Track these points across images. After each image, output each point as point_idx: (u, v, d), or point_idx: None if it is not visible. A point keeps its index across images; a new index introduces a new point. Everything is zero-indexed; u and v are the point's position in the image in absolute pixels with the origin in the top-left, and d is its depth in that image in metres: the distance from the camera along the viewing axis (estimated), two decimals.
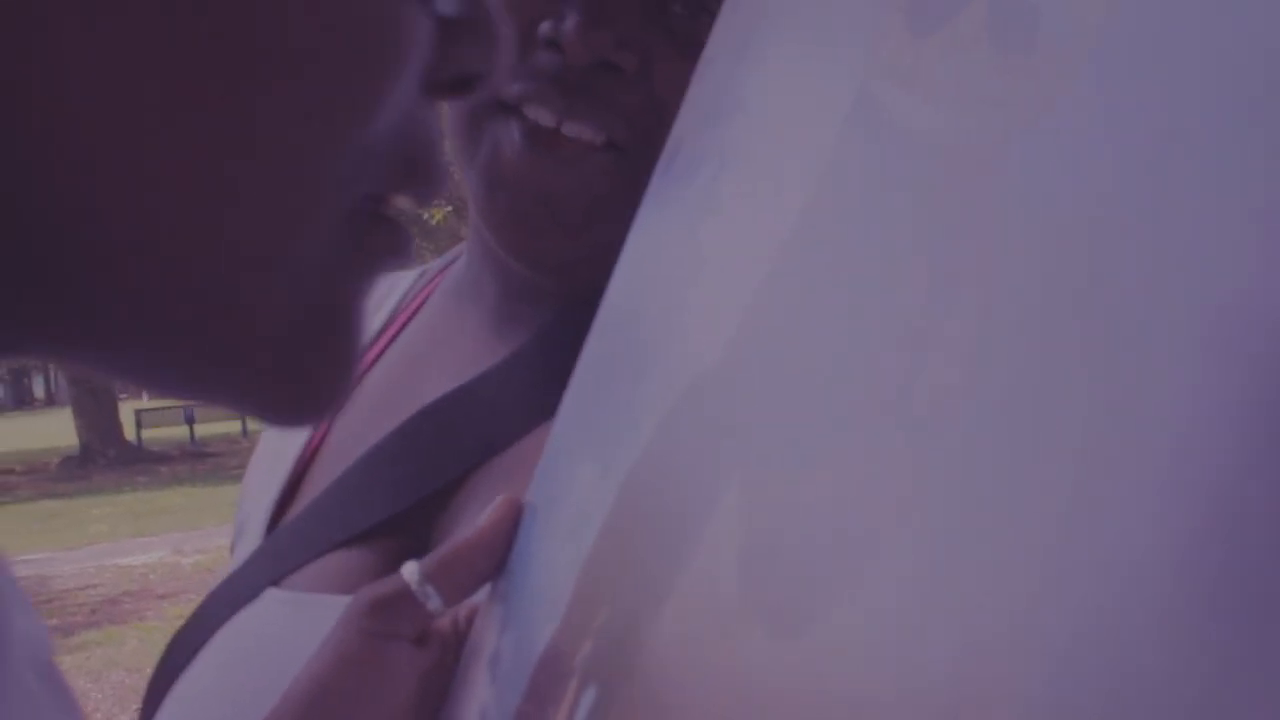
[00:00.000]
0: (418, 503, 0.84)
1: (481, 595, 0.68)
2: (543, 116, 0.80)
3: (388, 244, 0.41)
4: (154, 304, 0.36)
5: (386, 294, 1.02)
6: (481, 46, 0.41)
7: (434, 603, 0.65)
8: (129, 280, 0.35)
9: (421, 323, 0.97)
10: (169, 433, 23.82)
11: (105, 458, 19.24)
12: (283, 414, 0.41)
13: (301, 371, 0.39)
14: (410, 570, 0.65)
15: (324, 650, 0.64)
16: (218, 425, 24.40)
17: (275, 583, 0.86)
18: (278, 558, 0.87)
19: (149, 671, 0.89)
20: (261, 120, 0.35)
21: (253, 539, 0.93)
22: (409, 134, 0.39)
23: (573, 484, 0.63)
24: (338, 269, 0.39)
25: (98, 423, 19.35)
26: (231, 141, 0.35)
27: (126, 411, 22.49)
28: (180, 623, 0.90)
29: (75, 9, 0.32)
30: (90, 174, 0.33)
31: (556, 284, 0.87)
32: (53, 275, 0.34)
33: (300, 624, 0.66)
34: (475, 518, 0.68)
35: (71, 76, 0.32)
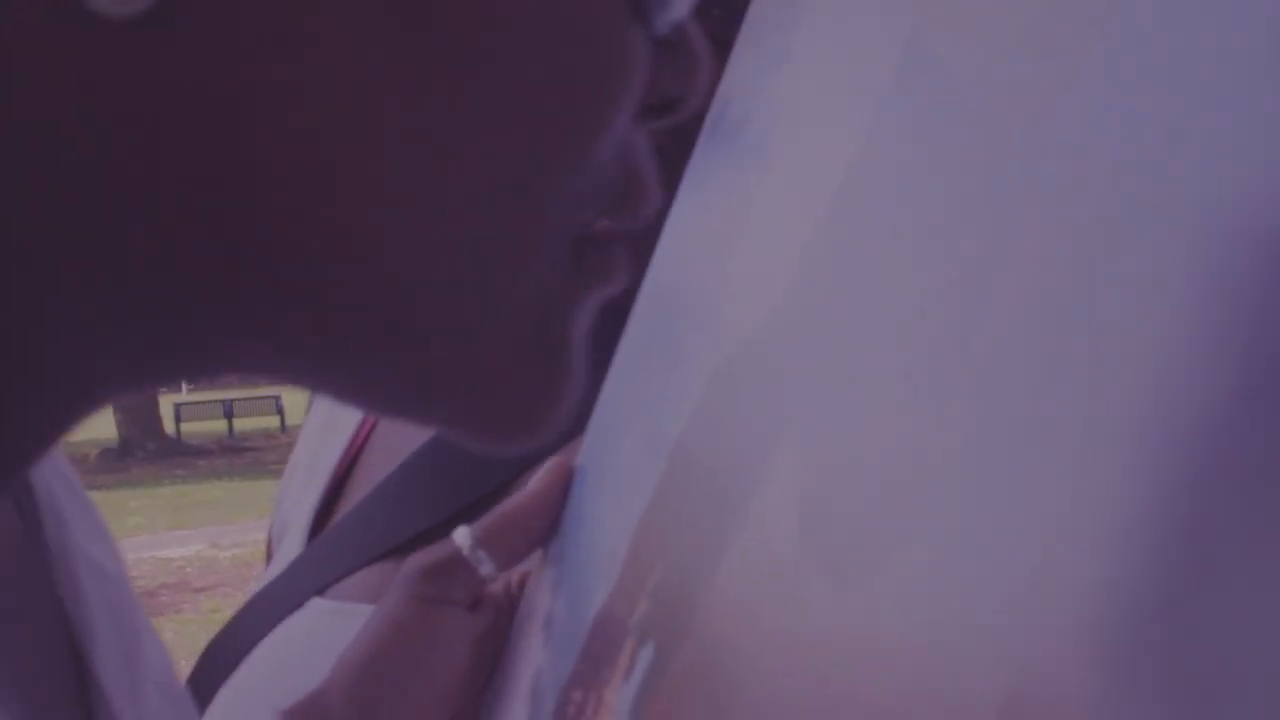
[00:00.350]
0: (460, 511, 0.83)
1: (534, 560, 0.68)
2: None
3: (604, 268, 0.40)
4: (382, 317, 0.35)
5: None
6: (686, 69, 0.40)
7: (486, 567, 0.65)
8: (358, 293, 0.34)
9: None
10: (208, 426, 23.87)
11: (144, 450, 19.33)
12: (494, 434, 0.40)
13: (518, 392, 0.38)
14: (462, 535, 0.65)
15: (376, 619, 0.64)
16: (256, 420, 24.46)
17: (320, 592, 0.86)
18: (321, 566, 0.87)
19: (185, 664, 0.88)
20: (497, 139, 0.35)
21: (294, 545, 0.93)
22: (624, 158, 0.39)
23: (623, 446, 0.63)
24: (558, 291, 0.38)
25: (137, 416, 19.44)
26: (466, 159, 0.34)
27: (166, 405, 22.58)
28: (216, 616, 0.89)
29: (328, 25, 0.31)
30: (325, 183, 0.32)
31: None
32: (278, 286, 0.34)
33: (347, 635, 0.66)
34: None
35: (315, 90, 0.32)
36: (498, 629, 0.67)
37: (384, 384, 0.37)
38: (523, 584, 0.69)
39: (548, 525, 0.66)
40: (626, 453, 0.62)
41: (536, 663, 0.63)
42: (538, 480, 0.67)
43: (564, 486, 0.67)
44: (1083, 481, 0.35)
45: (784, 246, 0.54)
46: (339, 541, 0.87)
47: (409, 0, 0.32)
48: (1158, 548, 0.32)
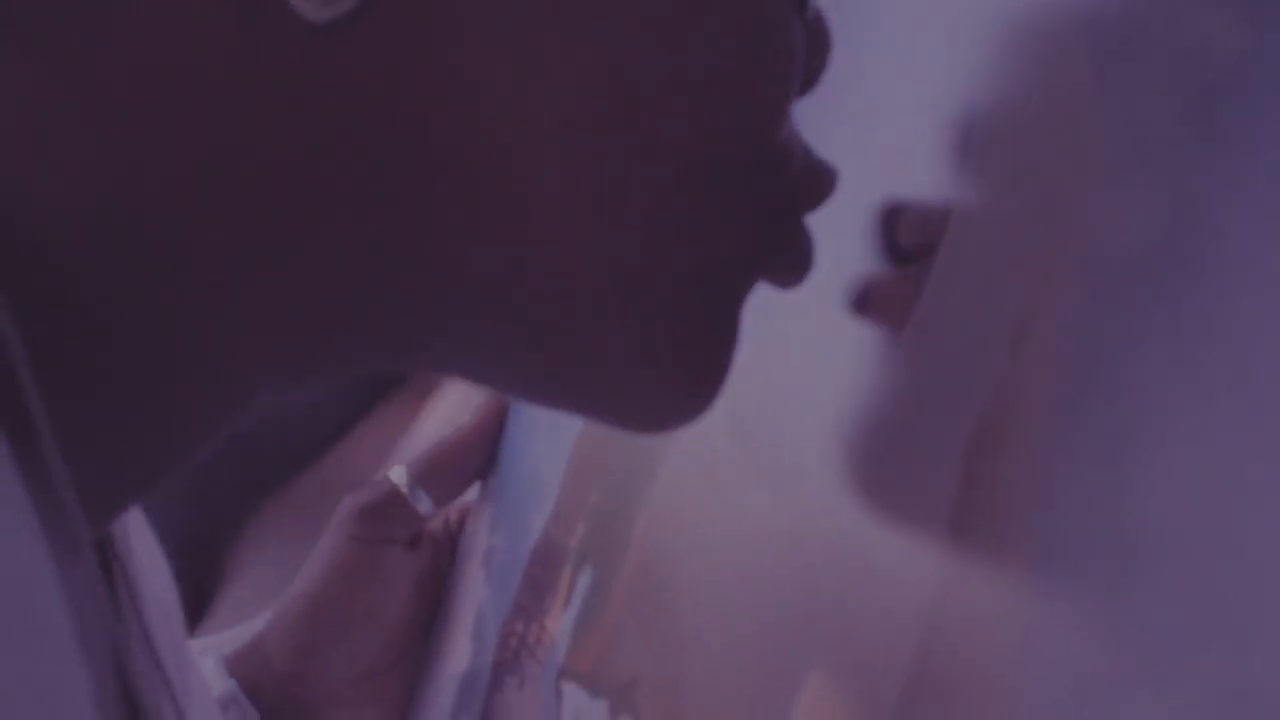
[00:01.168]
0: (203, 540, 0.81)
1: (472, 495, 0.67)
2: None
3: (790, 252, 0.39)
4: (563, 300, 0.33)
5: None
6: (823, 49, 0.39)
7: (424, 505, 0.63)
8: (540, 275, 0.33)
9: None
10: None
11: None
12: (653, 417, 0.38)
13: (683, 376, 0.37)
14: (399, 474, 0.63)
15: (315, 561, 0.62)
16: None
17: None
18: None
19: None
20: (689, 115, 0.33)
21: None
22: (792, 140, 0.38)
23: None
24: (735, 269, 0.37)
25: None
26: (656, 136, 0.33)
27: None
28: None
29: None
30: (512, 168, 0.31)
31: None
32: (463, 273, 0.32)
33: None
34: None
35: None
36: (437, 566, 0.65)
37: (556, 371, 0.35)
38: (462, 521, 0.67)
39: (483, 460, 0.65)
40: None
41: (478, 600, 0.61)
42: (472, 416, 0.66)
43: (499, 421, 0.65)
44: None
45: None
46: None
47: None
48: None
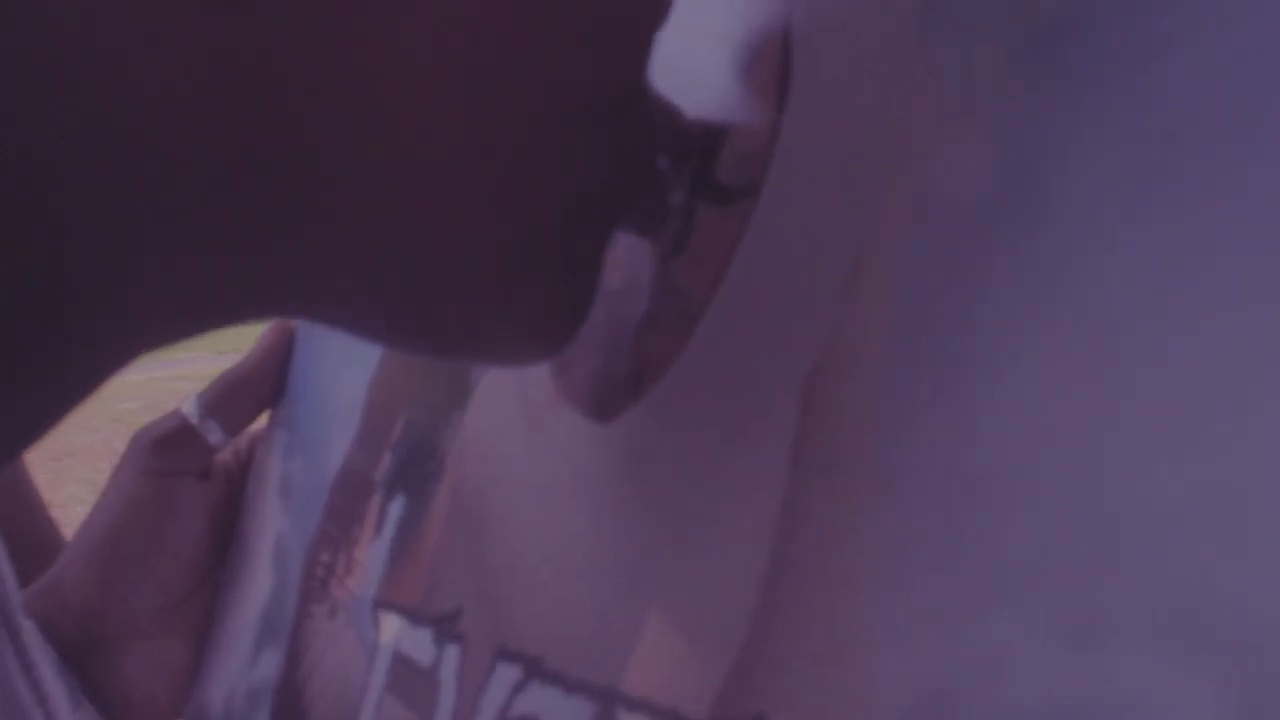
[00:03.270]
0: None
1: (260, 424, 0.65)
2: None
3: (645, 190, 0.39)
4: (421, 230, 0.33)
5: None
6: None
7: (215, 436, 0.62)
8: (401, 210, 0.32)
9: None
10: None
11: None
12: (516, 353, 0.38)
13: (548, 310, 0.36)
14: (189, 405, 0.62)
15: (110, 496, 0.60)
16: None
17: None
18: None
19: None
20: (551, 40, 0.32)
21: None
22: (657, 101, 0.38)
23: None
24: (596, 209, 0.36)
25: None
26: (520, 59, 0.32)
27: None
28: None
29: None
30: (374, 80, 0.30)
31: None
32: (336, 209, 0.31)
33: None
34: None
35: None
36: (230, 497, 0.64)
37: (425, 310, 0.35)
38: (252, 449, 0.66)
39: (273, 387, 0.64)
40: None
41: (277, 527, 0.60)
42: (260, 342, 0.64)
43: (286, 347, 0.64)
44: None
45: None
46: None
47: None
48: None
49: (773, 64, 0.41)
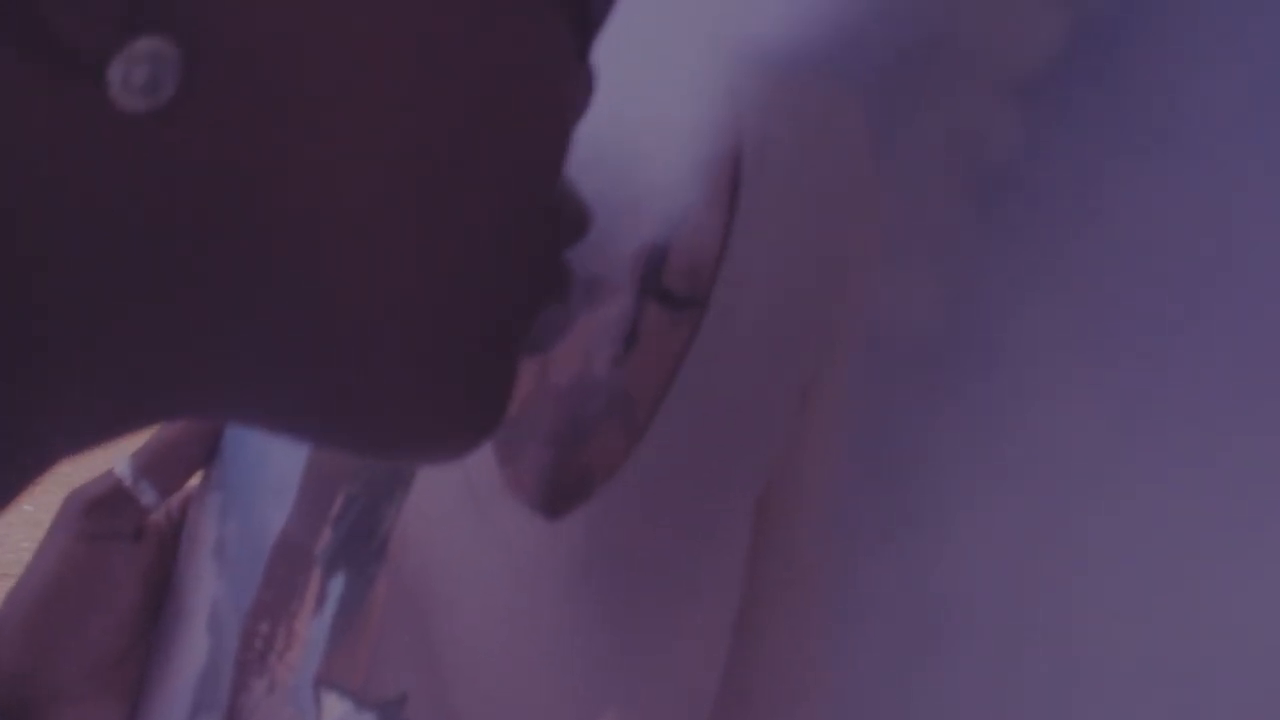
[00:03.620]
0: None
1: (193, 484, 0.65)
2: None
3: (561, 285, 0.39)
4: (365, 360, 0.34)
5: None
6: (591, 93, 0.40)
7: (149, 497, 0.61)
8: (345, 338, 0.33)
9: None
10: None
11: None
12: (439, 453, 0.38)
13: (468, 412, 0.38)
14: (123, 466, 0.61)
15: (45, 559, 0.60)
16: None
17: None
18: None
19: None
20: (484, 187, 0.34)
21: None
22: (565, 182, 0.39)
23: None
24: (518, 314, 0.38)
25: None
26: (455, 207, 0.34)
27: None
28: None
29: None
30: (322, 239, 0.32)
31: None
32: (273, 337, 0.33)
33: None
34: None
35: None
36: (163, 558, 0.64)
37: (352, 419, 0.36)
38: (184, 509, 0.65)
39: (206, 448, 0.64)
40: None
41: (211, 591, 0.60)
42: None
43: None
44: None
45: None
46: None
47: (404, 69, 0.32)
48: None
49: (724, 179, 0.41)
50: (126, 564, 0.61)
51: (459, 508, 0.47)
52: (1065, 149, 0.32)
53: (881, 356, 0.35)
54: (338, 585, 0.52)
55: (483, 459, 0.47)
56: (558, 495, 0.43)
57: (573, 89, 0.37)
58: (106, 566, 0.60)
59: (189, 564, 0.63)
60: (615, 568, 0.40)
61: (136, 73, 0.27)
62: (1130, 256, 0.30)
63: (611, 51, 0.47)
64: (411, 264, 0.33)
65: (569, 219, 0.40)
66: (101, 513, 0.61)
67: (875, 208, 0.36)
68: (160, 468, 0.62)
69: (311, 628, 0.52)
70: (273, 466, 0.59)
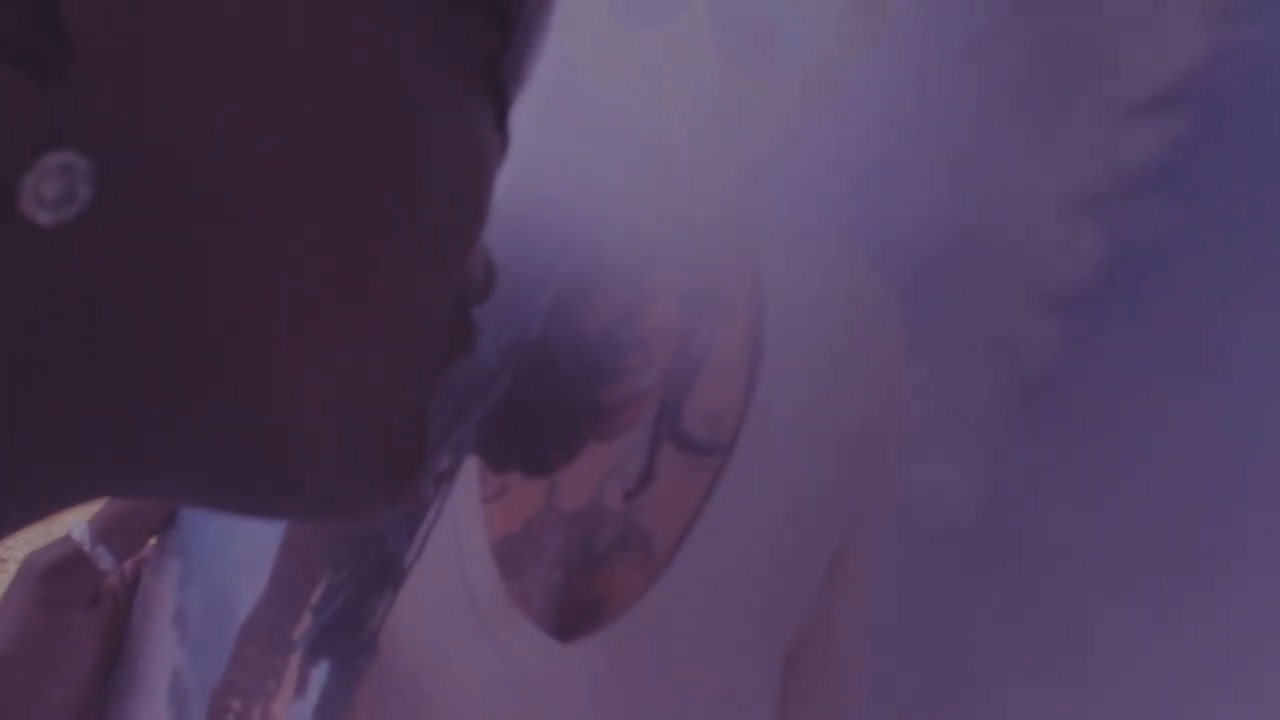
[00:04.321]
0: None
1: (146, 549, 0.65)
2: None
3: (469, 345, 0.41)
4: (286, 443, 0.35)
5: None
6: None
7: (106, 562, 0.62)
8: (266, 428, 0.34)
9: None
10: None
11: None
12: (341, 520, 0.40)
13: (391, 478, 0.39)
14: (80, 531, 0.62)
15: (2, 625, 0.60)
16: None
17: None
18: None
19: None
20: (412, 276, 0.35)
21: None
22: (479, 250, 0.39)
23: None
24: (436, 378, 0.39)
25: None
26: (381, 306, 0.35)
27: None
28: None
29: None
30: (241, 342, 0.32)
31: None
32: (192, 435, 0.33)
33: None
34: None
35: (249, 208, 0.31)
36: (116, 621, 0.64)
37: (274, 495, 0.37)
38: (136, 573, 0.66)
39: (162, 514, 0.64)
40: None
41: (172, 660, 0.61)
42: None
43: None
44: None
45: None
46: None
47: (331, 158, 0.32)
48: None
49: (744, 330, 0.44)
50: (83, 628, 0.62)
51: (456, 611, 0.49)
52: (1101, 360, 0.35)
53: (913, 533, 0.38)
54: (321, 673, 0.53)
55: (483, 566, 0.49)
56: (569, 618, 0.46)
57: (495, 159, 0.38)
58: (64, 632, 0.61)
59: (145, 629, 0.63)
60: (630, 700, 0.43)
61: (48, 186, 0.28)
62: (1161, 466, 0.33)
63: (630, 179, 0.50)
64: (337, 350, 0.35)
65: (481, 279, 0.41)
66: (60, 578, 0.61)
67: (907, 392, 0.39)
68: (118, 533, 0.62)
69: (293, 711, 0.54)
70: (241, 546, 0.60)
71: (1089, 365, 0.35)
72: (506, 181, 0.52)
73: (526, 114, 0.53)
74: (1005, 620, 0.35)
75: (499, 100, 0.38)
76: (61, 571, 0.61)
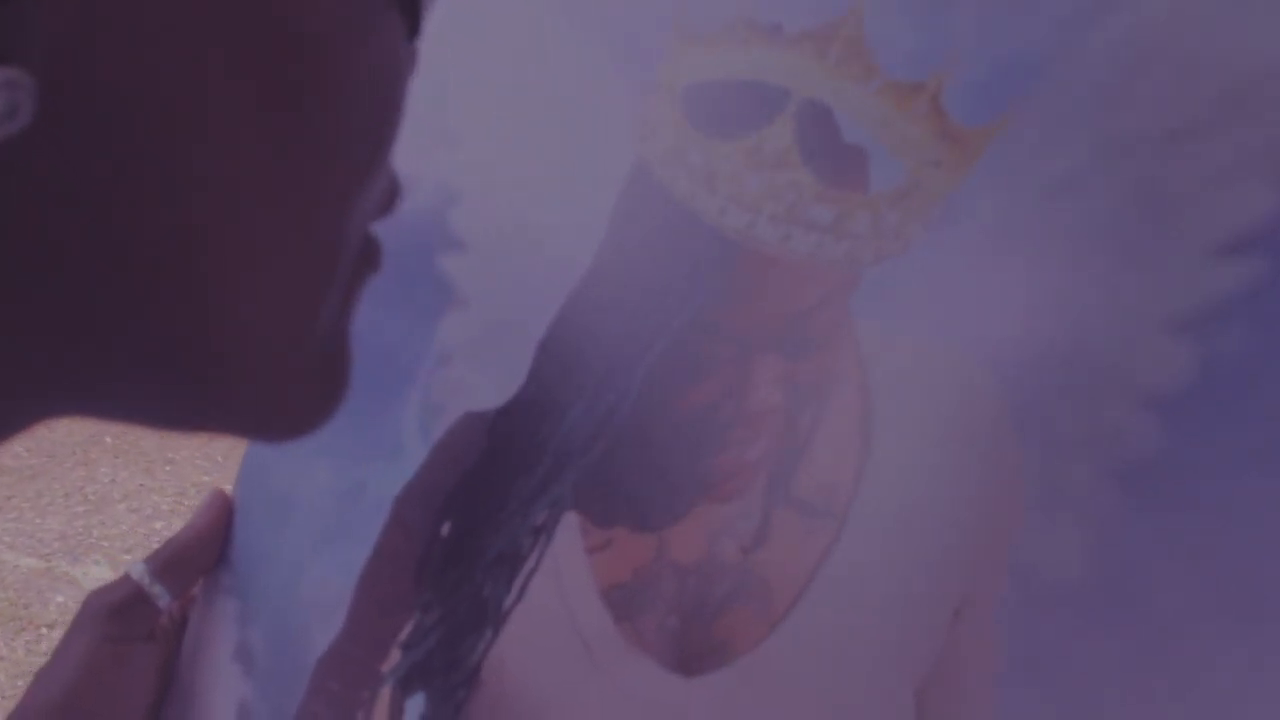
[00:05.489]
0: None
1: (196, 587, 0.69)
2: None
3: (374, 262, 0.42)
4: (208, 348, 0.36)
5: None
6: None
7: (163, 600, 0.66)
8: (195, 331, 0.36)
9: None
10: None
11: None
12: (278, 434, 0.41)
13: (313, 394, 0.41)
14: (140, 572, 0.65)
15: (66, 659, 0.63)
16: None
17: None
18: None
19: None
20: (328, 184, 0.37)
21: None
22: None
23: (315, 487, 0.65)
24: (348, 296, 0.41)
25: None
26: (299, 210, 0.36)
27: None
28: None
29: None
30: (179, 247, 0.34)
31: None
32: (131, 338, 0.35)
33: None
34: None
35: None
36: (169, 655, 0.68)
37: (191, 404, 0.38)
38: (184, 609, 0.70)
39: (214, 555, 0.68)
40: (323, 497, 0.65)
41: (239, 693, 0.65)
42: (203, 511, 0.68)
43: (228, 516, 0.68)
44: None
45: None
46: None
47: (261, 70, 0.35)
48: None
49: (855, 406, 0.51)
50: (144, 663, 0.65)
51: (566, 649, 0.55)
52: (1202, 456, 0.44)
53: (1029, 592, 0.46)
54: (417, 703, 0.59)
55: (594, 611, 0.55)
56: (693, 657, 0.52)
57: (406, 71, 0.40)
58: (128, 666, 0.64)
59: (200, 664, 0.67)
60: None
61: None
62: (1246, 542, 0.42)
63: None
64: (270, 259, 0.37)
65: (385, 192, 0.43)
66: (122, 616, 0.65)
67: (1014, 473, 0.47)
68: (174, 572, 0.66)
69: None
70: (310, 589, 0.64)
71: (1192, 460, 0.44)
72: (596, 262, 0.58)
73: (607, 204, 0.59)
74: (1116, 665, 0.43)
75: (411, 13, 0.39)
76: (123, 609, 0.65)
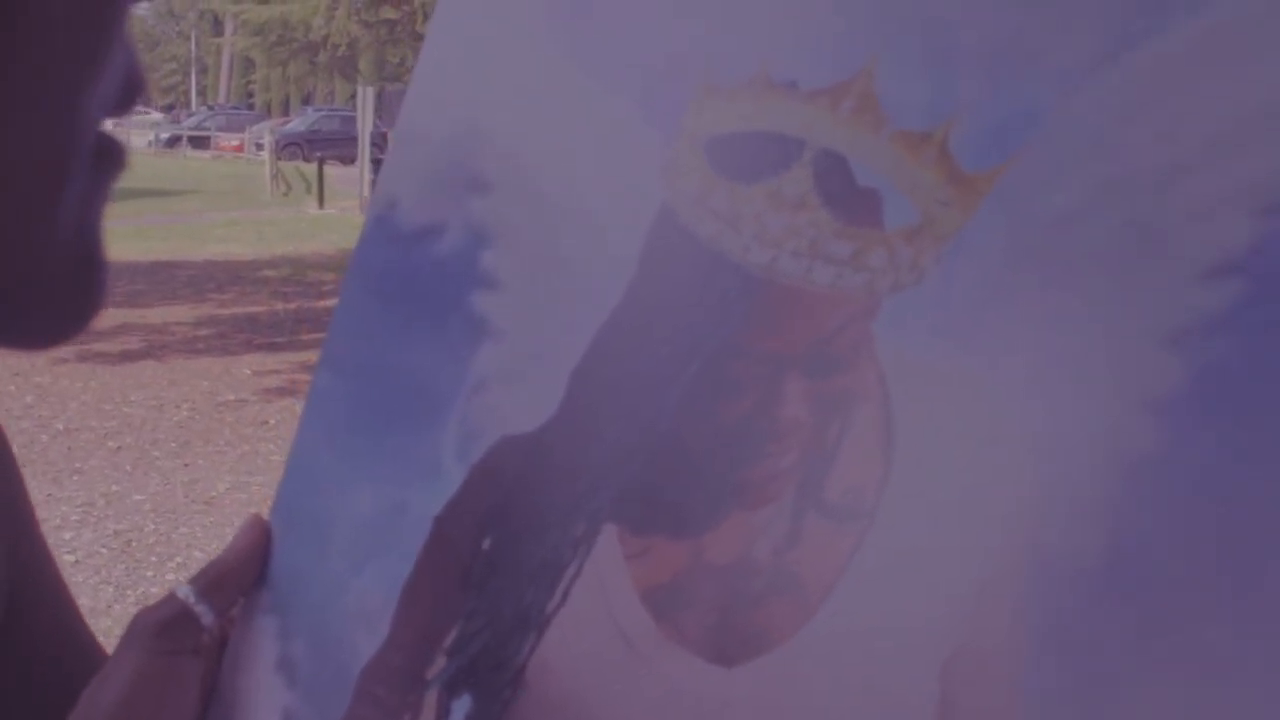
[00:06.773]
0: None
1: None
2: None
3: (116, 159, 0.43)
4: None
5: None
6: None
7: (207, 618, 0.70)
8: None
9: None
10: None
11: None
12: (37, 342, 0.42)
13: (66, 299, 0.41)
14: (185, 591, 0.69)
15: (121, 673, 0.67)
16: None
17: None
18: None
19: None
20: (50, 80, 0.38)
21: None
22: (123, 53, 0.42)
23: (357, 510, 0.70)
24: (91, 197, 0.42)
25: None
26: (30, 110, 0.38)
27: None
28: None
29: None
30: None
31: None
32: None
33: None
34: None
35: None
36: (211, 669, 0.72)
37: None
38: (225, 629, 0.73)
39: (254, 575, 0.72)
40: (357, 517, 0.69)
41: (283, 702, 0.69)
42: (242, 535, 0.72)
43: (266, 538, 0.73)
44: None
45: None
46: None
47: None
48: None
49: (878, 418, 0.57)
50: (191, 675, 0.69)
51: (609, 649, 0.60)
52: (1196, 454, 0.50)
53: (1050, 574, 0.51)
54: (463, 704, 0.63)
55: (635, 612, 0.60)
56: (731, 647, 0.57)
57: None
58: (177, 679, 0.68)
59: (243, 676, 0.71)
60: (800, 709, 0.55)
61: None
62: (1246, 535, 0.48)
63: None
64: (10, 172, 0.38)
65: (122, 90, 0.43)
66: (169, 632, 0.69)
67: (1031, 469, 0.53)
68: (217, 591, 0.70)
69: None
70: (352, 604, 0.68)
71: (1177, 453, 0.50)
72: (626, 296, 0.64)
73: (635, 243, 0.64)
74: (1132, 637, 0.49)
75: None
76: (170, 625, 0.69)
